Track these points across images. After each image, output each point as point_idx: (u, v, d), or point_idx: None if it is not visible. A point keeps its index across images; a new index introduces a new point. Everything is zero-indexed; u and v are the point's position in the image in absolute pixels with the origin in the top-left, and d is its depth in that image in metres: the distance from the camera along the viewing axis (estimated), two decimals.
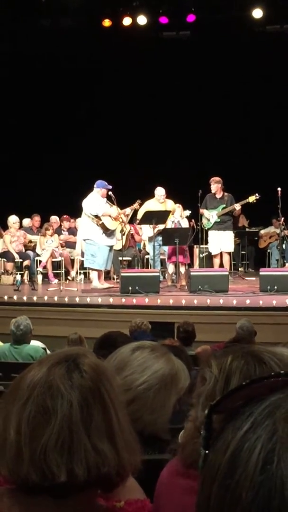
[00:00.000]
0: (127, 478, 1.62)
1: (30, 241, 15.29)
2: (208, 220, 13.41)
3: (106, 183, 12.55)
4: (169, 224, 13.41)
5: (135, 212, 13.93)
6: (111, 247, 12.66)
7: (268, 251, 16.60)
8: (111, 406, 1.57)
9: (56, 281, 14.19)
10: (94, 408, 1.54)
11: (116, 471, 1.53)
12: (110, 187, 12.57)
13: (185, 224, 13.66)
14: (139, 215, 13.54)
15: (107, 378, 1.61)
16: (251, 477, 0.59)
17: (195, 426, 1.74)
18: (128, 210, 13.68)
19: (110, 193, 12.62)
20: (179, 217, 13.68)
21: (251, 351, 1.68)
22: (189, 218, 13.86)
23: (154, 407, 2.53)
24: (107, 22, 17.09)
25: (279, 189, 13.09)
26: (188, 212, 13.85)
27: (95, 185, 12.57)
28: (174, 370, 2.60)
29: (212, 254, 13.60)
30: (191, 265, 14.06)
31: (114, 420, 1.57)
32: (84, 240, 12.90)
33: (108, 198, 12.64)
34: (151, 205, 13.48)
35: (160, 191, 13.51)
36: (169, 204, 13.65)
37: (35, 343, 7.58)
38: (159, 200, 13.51)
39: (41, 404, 1.52)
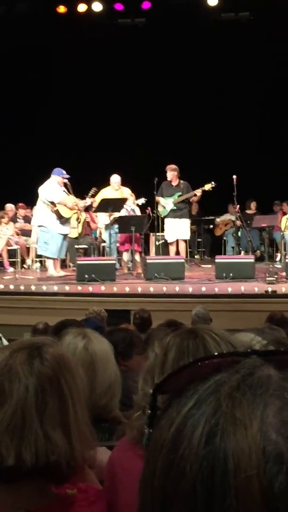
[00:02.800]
0: (81, 471, 1.63)
1: None
2: (164, 207, 13.44)
3: (64, 172, 12.50)
4: (122, 212, 13.41)
5: None
6: (65, 235, 12.62)
7: (224, 238, 16.71)
8: (69, 397, 1.58)
9: (11, 269, 14.09)
10: (50, 396, 1.55)
11: (66, 461, 1.54)
12: (67, 176, 12.53)
13: (138, 212, 13.69)
14: (95, 203, 13.53)
15: (69, 370, 1.63)
16: (195, 450, 0.61)
17: (139, 404, 1.80)
18: (89, 201, 13.61)
19: (66, 181, 12.58)
20: (132, 205, 13.69)
21: (189, 330, 1.76)
22: (144, 206, 13.88)
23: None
24: (62, 9, 16.96)
25: (234, 176, 13.17)
26: (143, 200, 13.88)
27: (52, 173, 12.52)
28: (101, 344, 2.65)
29: (168, 241, 13.63)
30: (146, 252, 14.10)
31: (70, 411, 1.58)
32: (38, 226, 12.86)
33: (64, 186, 12.59)
34: (107, 192, 13.47)
35: (115, 178, 13.50)
36: (125, 192, 13.65)
37: None
38: (114, 187, 13.50)
39: None
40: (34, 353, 1.60)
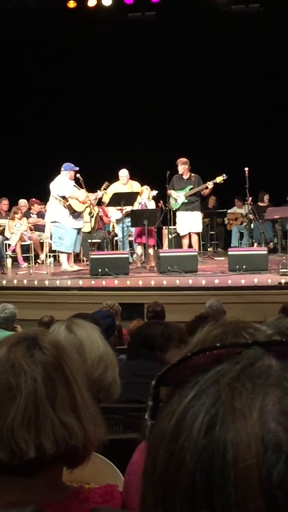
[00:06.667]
0: (92, 452, 1.64)
1: None
2: (176, 200, 13.42)
3: (73, 165, 12.52)
4: (135, 206, 13.41)
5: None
6: (79, 229, 12.64)
7: (241, 231, 16.69)
8: (74, 381, 1.60)
9: (25, 264, 14.15)
10: (57, 383, 1.57)
11: (83, 444, 1.56)
12: (77, 168, 12.55)
13: (151, 206, 13.68)
14: (107, 197, 13.52)
15: (68, 355, 1.65)
16: (194, 440, 0.61)
17: None
18: (100, 194, 13.60)
19: (78, 175, 12.60)
20: (146, 199, 13.68)
21: (232, 322, 1.75)
22: (157, 199, 13.87)
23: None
24: (72, 3, 16.95)
25: (246, 169, 13.12)
26: (154, 193, 13.86)
27: (62, 168, 12.55)
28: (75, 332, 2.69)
29: (180, 235, 13.61)
30: (159, 246, 14.09)
31: (77, 393, 1.60)
32: (52, 222, 12.89)
33: (76, 181, 12.61)
34: (116, 187, 13.46)
35: (122, 172, 13.50)
36: (135, 186, 13.64)
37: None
38: (122, 182, 13.49)
39: (5, 382, 1.54)
40: (32, 344, 1.60)
